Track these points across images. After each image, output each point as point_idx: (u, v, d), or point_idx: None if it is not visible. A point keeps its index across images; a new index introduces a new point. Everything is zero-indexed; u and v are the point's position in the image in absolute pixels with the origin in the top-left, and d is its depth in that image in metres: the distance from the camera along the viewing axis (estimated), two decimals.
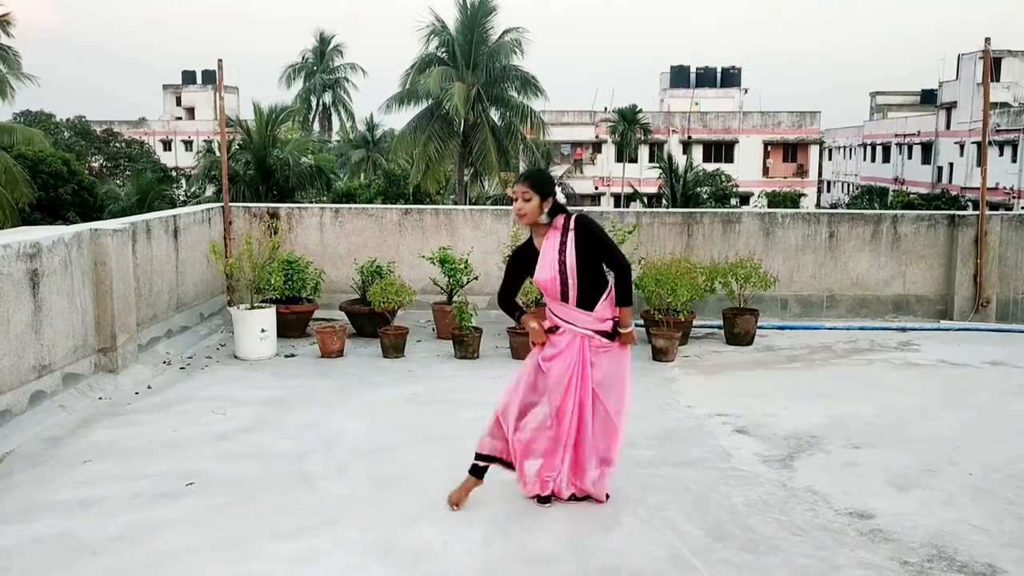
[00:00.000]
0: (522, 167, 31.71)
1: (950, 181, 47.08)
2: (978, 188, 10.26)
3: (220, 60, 9.55)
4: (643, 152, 48.52)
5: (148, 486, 4.72)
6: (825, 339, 8.68)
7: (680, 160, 40.99)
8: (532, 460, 4.43)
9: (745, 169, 48.60)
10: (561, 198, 4.33)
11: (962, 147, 45.81)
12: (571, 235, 4.25)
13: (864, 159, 60.54)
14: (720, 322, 8.73)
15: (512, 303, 4.54)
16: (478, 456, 4.48)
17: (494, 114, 30.91)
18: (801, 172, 50.08)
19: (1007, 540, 4.11)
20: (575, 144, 50.32)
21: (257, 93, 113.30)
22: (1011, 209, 32.80)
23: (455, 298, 8.42)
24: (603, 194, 50.28)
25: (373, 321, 8.30)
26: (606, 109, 49.75)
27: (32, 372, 5.79)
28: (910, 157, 52.97)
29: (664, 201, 39.01)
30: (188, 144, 61.89)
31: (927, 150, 50.60)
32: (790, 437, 5.60)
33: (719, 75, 61.15)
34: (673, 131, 49.42)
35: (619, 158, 48.65)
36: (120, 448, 5.33)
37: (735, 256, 9.21)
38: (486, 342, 8.07)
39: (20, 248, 5.69)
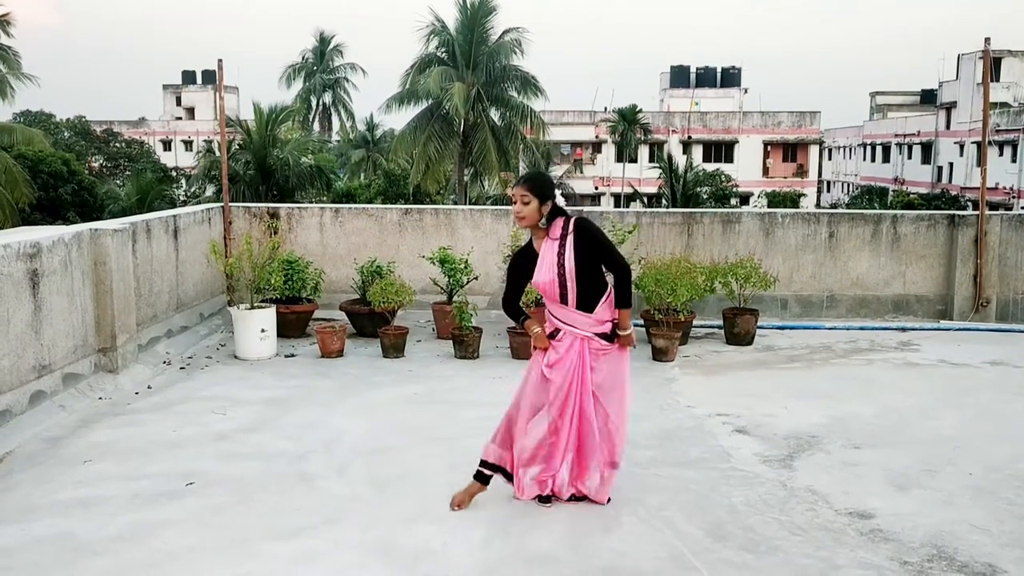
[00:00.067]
0: (522, 167, 31.76)
1: (950, 181, 47.09)
2: (978, 188, 10.26)
3: (220, 60, 9.55)
4: (643, 152, 48.52)
5: (148, 486, 4.72)
6: (825, 339, 8.68)
7: (680, 160, 40.99)
8: (534, 467, 4.42)
9: (745, 169, 48.60)
10: (560, 201, 4.33)
11: (962, 147, 45.82)
12: (570, 238, 4.26)
13: (864, 159, 60.55)
14: (720, 322, 8.73)
15: (516, 308, 4.55)
16: (483, 463, 4.49)
17: (494, 114, 30.91)
18: (801, 172, 50.09)
19: (1007, 540, 4.11)
20: (575, 144, 50.32)
21: (257, 93, 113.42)
22: (1011, 209, 32.79)
23: (455, 298, 8.42)
24: (603, 194, 50.28)
25: (373, 321, 8.30)
26: (606, 109, 49.76)
27: (32, 372, 5.79)
28: (910, 157, 52.98)
29: (664, 201, 39.01)
30: (188, 144, 61.89)
31: (927, 150, 50.61)
32: (790, 437, 5.60)
33: (719, 75, 61.16)
34: (673, 131, 49.42)
35: (619, 158, 48.65)
36: (120, 448, 5.33)
37: (735, 256, 9.21)
38: (486, 342, 8.07)
39: (20, 248, 5.69)
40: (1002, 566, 3.84)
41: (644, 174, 46.61)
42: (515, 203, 4.27)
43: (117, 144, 51.17)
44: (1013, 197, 39.12)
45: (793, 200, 43.72)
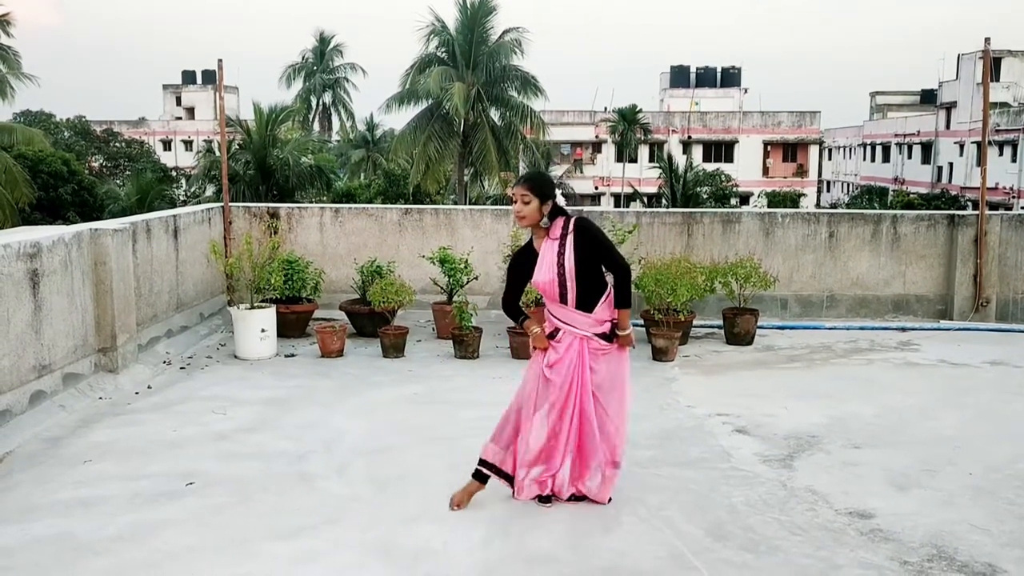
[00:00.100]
0: (522, 167, 31.75)
1: (950, 181, 47.09)
2: (978, 188, 10.26)
3: (220, 60, 9.55)
4: (643, 152, 48.52)
5: (148, 486, 4.72)
6: (825, 339, 8.68)
7: (680, 160, 40.99)
8: (536, 468, 4.42)
9: (745, 169, 48.61)
10: (561, 200, 4.34)
11: (962, 147, 45.82)
12: (570, 238, 4.26)
13: (864, 159, 60.55)
14: (720, 322, 8.73)
15: (516, 308, 4.55)
16: (482, 462, 4.49)
17: (494, 114, 30.91)
18: (801, 172, 50.09)
19: (1007, 540, 4.11)
20: (575, 144, 50.32)
21: (257, 93, 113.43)
22: (1011, 209, 32.79)
23: (455, 298, 8.42)
24: (603, 194, 50.28)
25: (373, 321, 8.30)
26: (606, 109, 49.76)
27: (32, 372, 5.79)
28: (910, 157, 52.98)
29: (664, 201, 39.01)
30: (188, 144, 61.89)
31: (927, 150, 50.61)
32: (790, 437, 5.60)
33: (719, 75, 61.16)
34: (673, 131, 49.42)
35: (619, 158, 48.65)
36: (120, 448, 5.33)
37: (735, 256, 9.21)
38: (486, 342, 8.07)
39: (20, 248, 5.69)
40: (1002, 566, 3.84)
41: (644, 174, 46.62)
42: (515, 203, 4.27)
43: (117, 144, 51.17)
44: (1013, 197, 39.13)
45: (793, 200, 43.72)
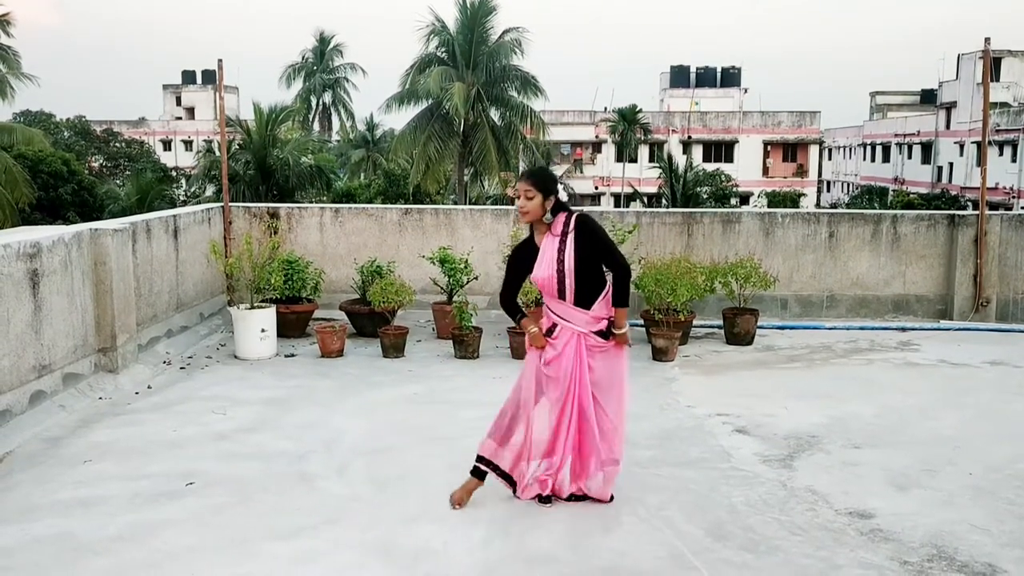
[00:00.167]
0: (522, 167, 31.71)
1: (950, 181, 47.09)
2: (978, 188, 10.26)
3: (220, 60, 9.55)
4: (643, 152, 48.52)
5: (148, 486, 4.72)
6: (825, 339, 8.68)
7: (680, 160, 40.99)
8: (532, 463, 4.42)
9: (745, 169, 48.61)
10: (564, 196, 4.34)
11: (962, 147, 45.82)
12: (571, 234, 4.27)
13: (864, 159, 60.55)
14: (720, 322, 8.73)
15: (514, 304, 4.55)
16: (479, 459, 4.49)
17: (494, 114, 30.90)
18: (801, 172, 50.09)
19: (1007, 540, 4.11)
20: (575, 144, 50.32)
21: (257, 93, 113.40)
22: (1011, 209, 32.79)
23: (455, 298, 8.42)
24: (603, 194, 50.29)
25: (373, 321, 8.30)
26: (606, 109, 49.76)
27: (32, 372, 5.79)
28: (910, 157, 52.98)
29: (664, 201, 39.01)
30: (188, 144, 61.89)
31: (927, 150, 50.61)
32: (790, 437, 5.60)
33: (719, 75, 61.14)
34: (673, 131, 49.42)
35: (619, 158, 48.66)
36: (120, 448, 5.33)
37: (735, 256, 9.21)
38: (486, 342, 8.07)
39: (20, 248, 5.69)
40: (1002, 566, 3.84)
41: (644, 174, 46.62)
42: (519, 198, 4.28)
43: (117, 144, 51.16)
44: (1013, 197, 39.12)
45: (793, 200, 43.73)
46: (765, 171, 49.78)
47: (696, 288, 8.02)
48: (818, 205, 52.43)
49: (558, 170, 44.17)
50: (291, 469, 4.99)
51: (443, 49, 31.04)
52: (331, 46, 55.18)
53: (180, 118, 68.63)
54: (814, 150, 51.70)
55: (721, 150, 49.94)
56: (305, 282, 8.68)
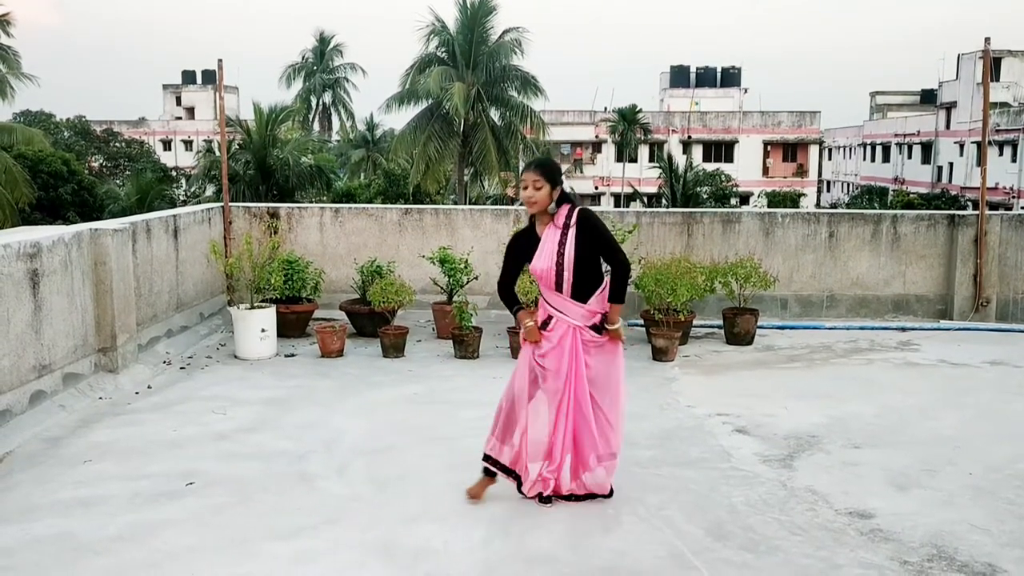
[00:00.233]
0: (521, 167, 31.69)
1: (950, 181, 47.09)
2: (978, 188, 10.26)
3: (220, 60, 9.55)
4: (643, 152, 48.53)
5: (148, 486, 4.72)
6: (825, 339, 8.68)
7: (680, 160, 40.98)
8: (543, 464, 4.43)
9: (745, 169, 48.62)
10: (568, 187, 4.36)
11: (962, 147, 45.82)
12: (573, 228, 4.29)
13: (864, 159, 60.55)
14: (720, 322, 8.73)
15: (512, 293, 4.56)
16: (485, 457, 4.51)
17: (494, 114, 30.91)
18: (801, 172, 50.10)
19: (1007, 540, 4.11)
20: (575, 144, 50.33)
21: (257, 93, 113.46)
22: (1011, 209, 32.80)
23: (455, 298, 8.42)
24: (603, 194, 50.29)
25: (373, 321, 8.30)
26: (606, 109, 49.77)
27: (32, 372, 5.79)
28: (910, 157, 52.98)
29: (664, 201, 39.01)
30: (188, 144, 61.89)
31: (927, 150, 50.61)
32: (790, 437, 5.60)
33: (719, 75, 61.15)
34: (673, 131, 49.43)
35: (619, 158, 48.66)
36: (120, 448, 5.33)
37: (735, 256, 9.21)
38: (486, 342, 8.07)
39: (20, 248, 5.69)
40: (1002, 566, 3.84)
41: (644, 174, 46.63)
42: (526, 188, 4.30)
43: (117, 144, 51.17)
44: (1013, 197, 39.12)
45: (793, 200, 43.73)
46: (765, 171, 49.79)
47: (696, 288, 8.02)
48: (818, 205, 52.43)
49: None
50: (291, 469, 4.99)
51: (443, 49, 31.05)
52: (331, 46, 55.18)
53: (180, 118, 68.62)
54: (814, 150, 51.71)
55: (721, 150, 49.95)
56: (305, 282, 8.68)
